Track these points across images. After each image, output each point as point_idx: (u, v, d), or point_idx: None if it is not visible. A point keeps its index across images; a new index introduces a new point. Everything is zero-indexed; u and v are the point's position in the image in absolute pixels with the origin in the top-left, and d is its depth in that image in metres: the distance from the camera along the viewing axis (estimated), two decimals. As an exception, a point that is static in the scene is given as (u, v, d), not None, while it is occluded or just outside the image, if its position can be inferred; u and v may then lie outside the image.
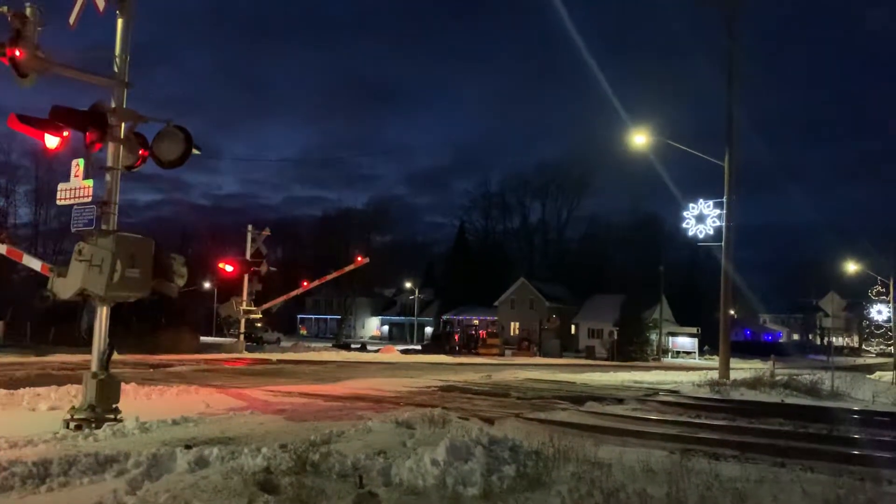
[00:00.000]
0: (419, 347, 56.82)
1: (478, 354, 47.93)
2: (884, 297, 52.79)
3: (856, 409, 15.59)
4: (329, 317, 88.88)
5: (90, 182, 9.37)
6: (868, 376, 27.55)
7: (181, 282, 9.60)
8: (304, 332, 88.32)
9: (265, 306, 39.49)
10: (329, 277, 46.95)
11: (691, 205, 25.63)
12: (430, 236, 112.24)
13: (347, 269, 46.80)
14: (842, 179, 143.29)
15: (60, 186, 9.64)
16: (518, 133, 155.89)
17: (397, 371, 25.06)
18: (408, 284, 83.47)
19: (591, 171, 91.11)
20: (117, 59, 9.54)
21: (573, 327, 69.19)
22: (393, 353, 42.78)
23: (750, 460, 8.40)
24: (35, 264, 9.98)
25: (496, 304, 73.93)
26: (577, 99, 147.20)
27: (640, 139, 24.51)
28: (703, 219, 25.19)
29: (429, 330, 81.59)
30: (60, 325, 34.42)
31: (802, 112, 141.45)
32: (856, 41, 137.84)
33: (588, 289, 73.04)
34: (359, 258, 45.69)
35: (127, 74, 9.58)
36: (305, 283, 44.65)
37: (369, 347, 52.41)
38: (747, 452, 9.25)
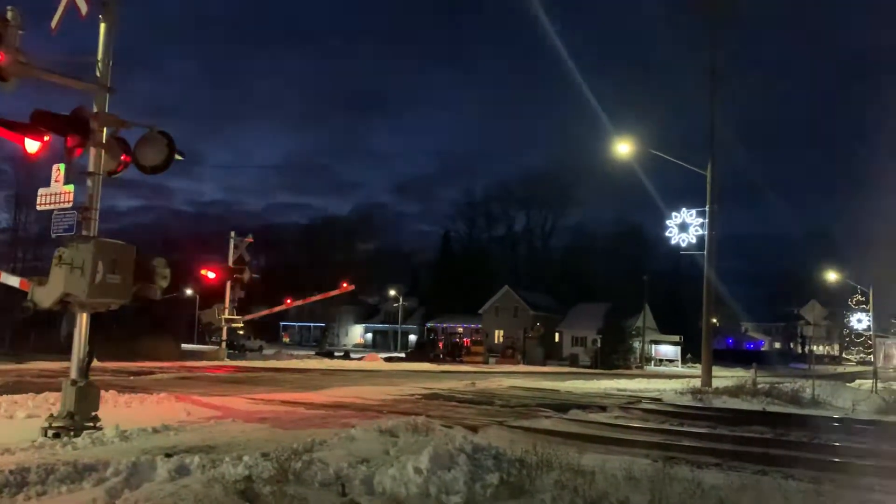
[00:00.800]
0: (403, 355, 56.65)
1: (462, 362, 47.88)
2: (863, 306, 53.34)
3: (836, 417, 15.73)
4: (312, 324, 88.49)
5: (71, 187, 9.27)
6: (848, 384, 27.79)
7: (164, 283, 9.51)
8: (287, 339, 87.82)
9: (247, 318, 39.34)
10: (313, 299, 47.49)
11: (674, 214, 25.83)
12: (415, 244, 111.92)
13: (332, 293, 47.43)
14: (823, 189, 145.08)
15: (41, 192, 9.54)
16: (503, 142, 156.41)
17: (381, 379, 24.97)
18: (392, 292, 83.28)
19: (575, 181, 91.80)
20: (100, 64, 9.47)
21: (557, 335, 69.33)
22: (377, 361, 42.63)
23: (732, 468, 8.43)
24: (13, 281, 9.84)
25: (480, 312, 73.93)
26: (563, 109, 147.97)
27: (623, 148, 24.66)
28: (685, 228, 25.38)
29: (413, 338, 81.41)
30: (40, 333, 33.98)
31: (785, 122, 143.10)
32: (839, 53, 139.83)
33: (572, 297, 73.33)
34: (344, 284, 46.32)
35: (109, 79, 9.51)
36: (289, 301, 45.02)
37: (353, 355, 52.20)
38: (729, 460, 9.29)
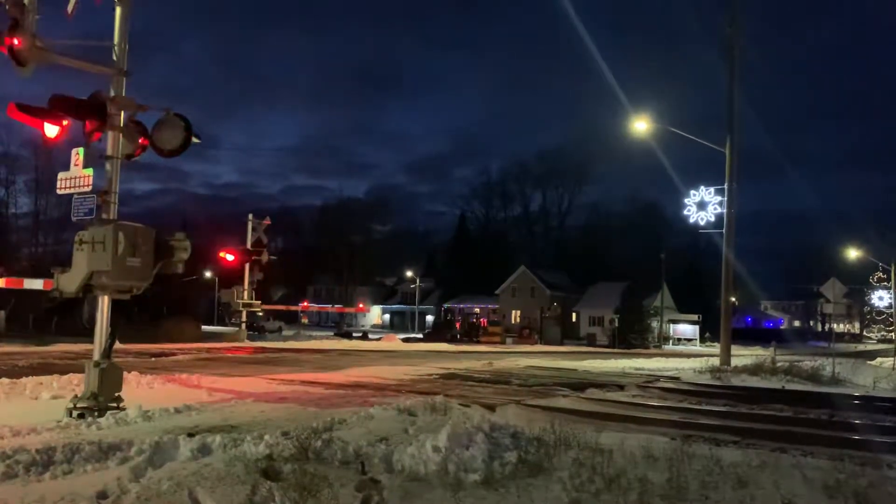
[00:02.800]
0: (420, 336, 56.95)
1: (479, 342, 48.02)
2: (885, 284, 52.80)
3: (856, 394, 15.62)
4: (330, 306, 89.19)
5: (90, 171, 9.35)
6: (869, 362, 27.63)
7: (185, 255, 9.54)
8: (305, 321, 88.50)
9: (265, 307, 39.85)
10: (330, 309, 49.77)
11: (692, 192, 25.59)
12: (431, 225, 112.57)
13: (349, 309, 50.20)
14: (843, 166, 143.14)
15: (60, 176, 9.62)
16: (518, 121, 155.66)
17: (399, 359, 25.12)
18: (409, 273, 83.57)
19: (591, 160, 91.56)
20: (116, 48, 9.49)
21: (574, 315, 69.31)
22: (394, 342, 42.87)
23: (751, 446, 8.42)
24: (37, 284, 10.01)
25: (497, 292, 74.02)
26: (578, 86, 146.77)
27: (640, 126, 24.42)
28: (704, 205, 25.15)
29: (430, 318, 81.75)
30: (62, 316, 34.48)
31: (804, 97, 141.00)
32: (859, 25, 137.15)
33: (589, 276, 73.15)
34: (360, 305, 48.63)
35: (126, 63, 9.54)
36: (306, 304, 46.62)
37: (371, 336, 52.53)
38: (748, 438, 9.28)
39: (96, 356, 9.26)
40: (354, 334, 55.14)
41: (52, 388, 11.33)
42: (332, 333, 55.42)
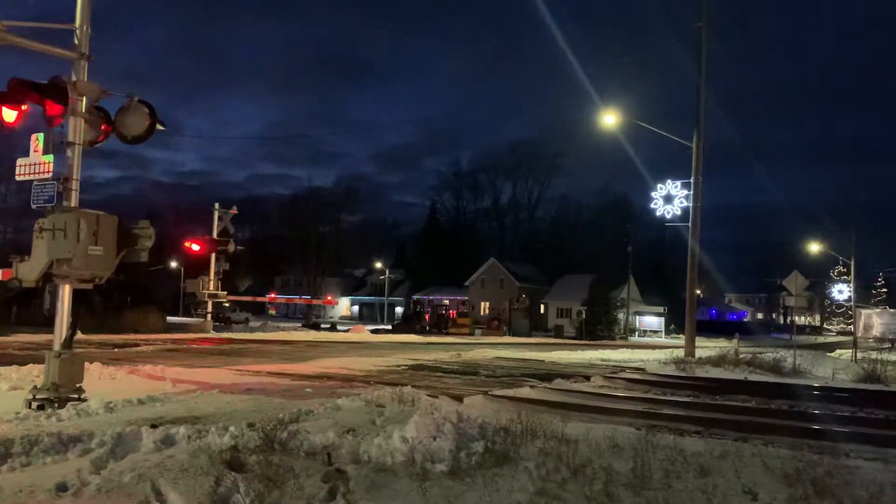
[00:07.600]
0: (389, 327, 56.84)
1: (448, 334, 48.14)
2: (845, 277, 54.05)
3: (816, 385, 15.97)
4: (298, 297, 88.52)
5: (50, 157, 9.12)
6: (828, 354, 28.23)
7: (149, 243, 9.37)
8: (273, 312, 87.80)
9: (232, 298, 39.40)
10: (296, 301, 49.82)
11: (659, 185, 25.89)
12: (401, 216, 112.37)
13: (315, 301, 49.98)
14: (807, 161, 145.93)
15: (19, 162, 9.37)
16: (489, 112, 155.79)
17: (367, 350, 25.05)
18: (378, 264, 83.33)
19: (561, 152, 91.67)
20: (77, 31, 9.26)
21: (543, 307, 69.75)
22: (363, 333, 42.72)
23: (713, 435, 8.56)
24: None
25: (467, 283, 74.19)
26: (549, 78, 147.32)
27: (609, 119, 24.59)
28: (670, 199, 25.46)
29: (399, 310, 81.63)
30: (22, 306, 33.74)
31: (770, 93, 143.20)
32: (824, 23, 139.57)
33: (557, 269, 73.69)
34: (328, 297, 48.63)
35: (88, 46, 9.32)
36: (273, 295, 46.23)
37: (339, 327, 52.29)
38: (711, 428, 9.44)
39: (57, 346, 9.07)
40: (323, 326, 54.84)
41: (10, 380, 11.07)
42: (300, 325, 55.06)
